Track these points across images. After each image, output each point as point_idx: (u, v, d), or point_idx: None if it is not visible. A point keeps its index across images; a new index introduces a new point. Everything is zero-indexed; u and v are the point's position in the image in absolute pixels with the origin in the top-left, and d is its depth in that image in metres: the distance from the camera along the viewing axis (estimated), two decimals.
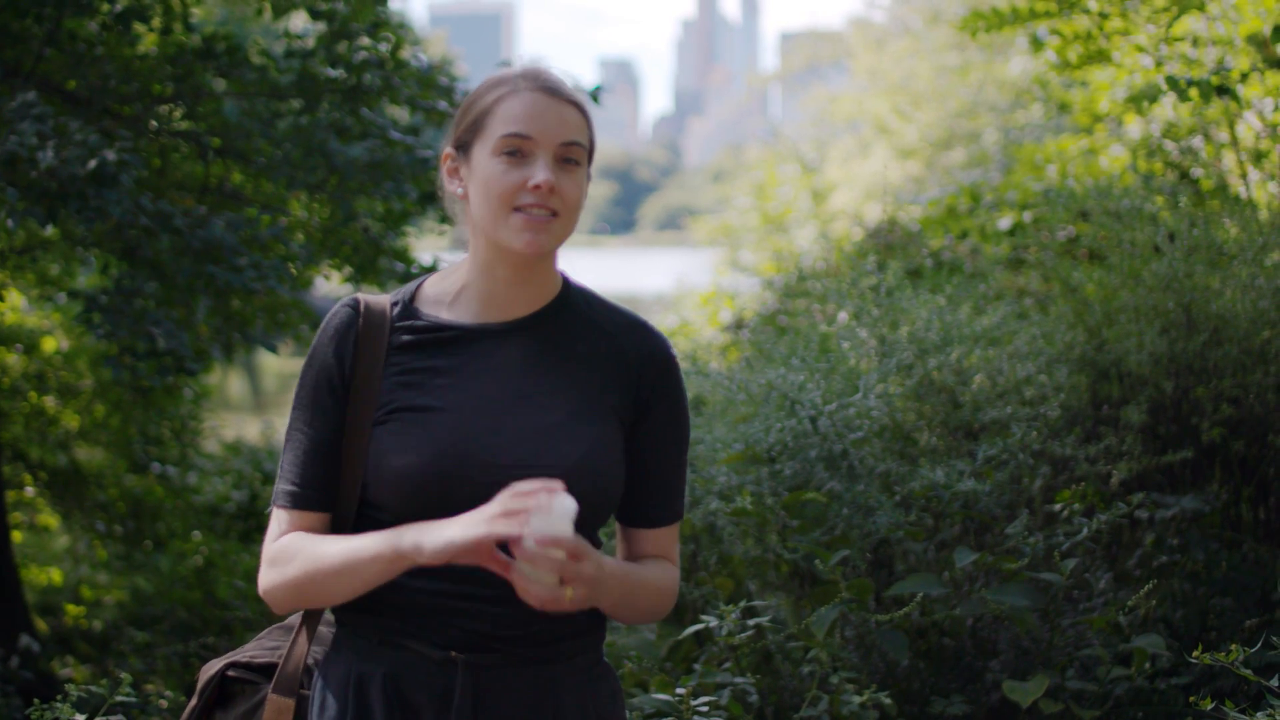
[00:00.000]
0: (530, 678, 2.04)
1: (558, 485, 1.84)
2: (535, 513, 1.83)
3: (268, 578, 2.05)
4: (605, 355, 2.10)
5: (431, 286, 2.14)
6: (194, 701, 2.20)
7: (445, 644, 2.02)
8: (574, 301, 2.13)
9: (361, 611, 2.05)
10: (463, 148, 2.08)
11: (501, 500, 1.86)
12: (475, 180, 2.05)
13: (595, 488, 2.02)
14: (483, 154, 2.03)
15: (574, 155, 2.04)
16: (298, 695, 2.12)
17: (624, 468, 2.08)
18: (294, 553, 2.02)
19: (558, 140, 2.02)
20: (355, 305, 2.10)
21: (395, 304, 2.11)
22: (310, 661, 2.16)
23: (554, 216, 2.02)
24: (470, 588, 1.99)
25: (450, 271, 2.16)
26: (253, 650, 2.23)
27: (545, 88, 2.04)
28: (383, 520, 2.02)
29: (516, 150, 2.01)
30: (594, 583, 1.88)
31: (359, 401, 2.04)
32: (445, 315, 2.10)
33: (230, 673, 2.20)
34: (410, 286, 2.15)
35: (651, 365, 2.11)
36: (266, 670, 2.19)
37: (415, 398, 2.04)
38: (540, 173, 2.00)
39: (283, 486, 2.08)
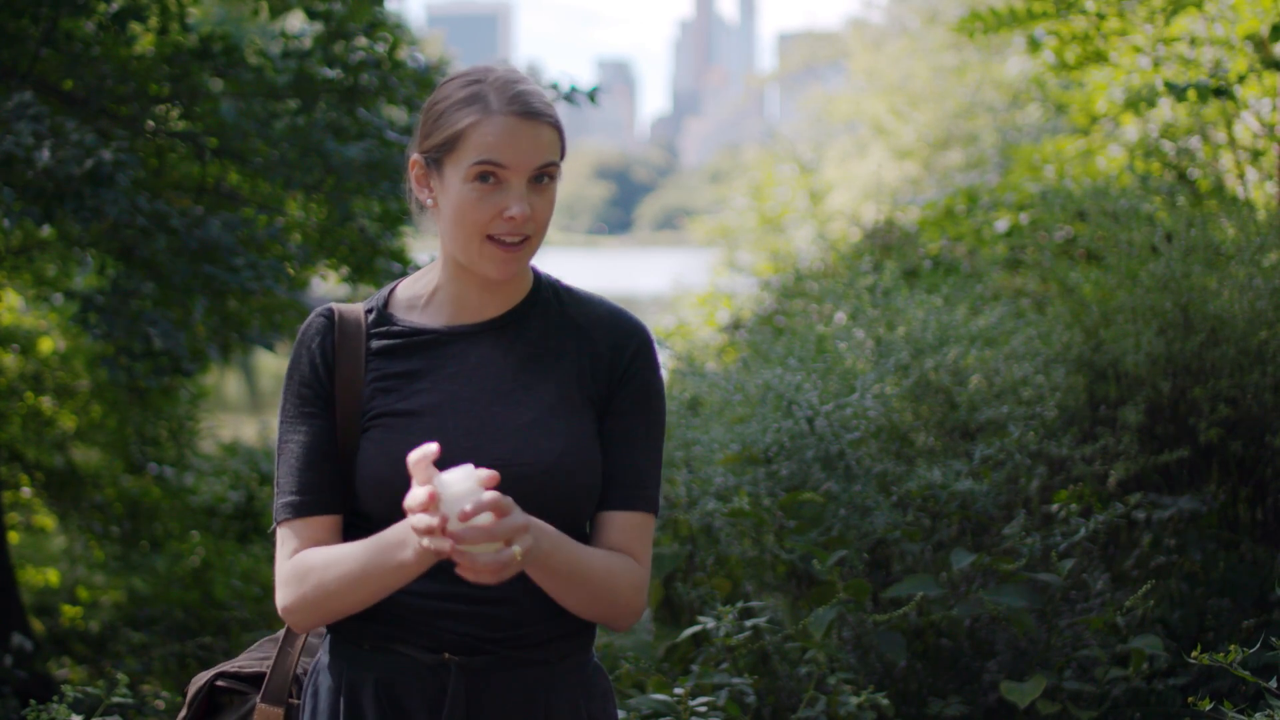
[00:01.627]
0: (522, 679, 2.04)
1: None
2: (441, 498, 1.80)
3: (285, 597, 2.03)
4: (579, 349, 2.09)
5: (403, 291, 2.14)
6: (183, 713, 2.20)
7: (438, 647, 2.01)
8: (545, 297, 2.13)
9: (352, 618, 2.04)
10: (434, 162, 2.04)
11: (407, 525, 1.86)
12: (447, 200, 2.02)
13: (576, 482, 2.02)
14: (455, 177, 2.01)
15: (548, 173, 2.02)
16: (286, 704, 2.12)
17: (602, 460, 2.07)
18: (306, 569, 2.01)
19: (532, 165, 2.00)
20: (329, 314, 2.10)
21: (369, 311, 2.11)
22: (299, 670, 2.16)
23: (526, 241, 2.02)
24: (463, 589, 1.99)
25: (420, 275, 2.16)
26: (242, 660, 2.23)
27: (520, 112, 1.99)
28: (368, 527, 2.02)
29: (490, 176, 1.99)
30: (528, 530, 1.84)
31: (344, 409, 2.05)
32: (418, 319, 2.10)
33: (219, 683, 2.19)
34: (382, 292, 2.15)
35: (624, 353, 2.09)
36: (254, 680, 2.19)
37: (395, 403, 2.04)
38: (515, 205, 1.98)
39: (281, 500, 2.05)
